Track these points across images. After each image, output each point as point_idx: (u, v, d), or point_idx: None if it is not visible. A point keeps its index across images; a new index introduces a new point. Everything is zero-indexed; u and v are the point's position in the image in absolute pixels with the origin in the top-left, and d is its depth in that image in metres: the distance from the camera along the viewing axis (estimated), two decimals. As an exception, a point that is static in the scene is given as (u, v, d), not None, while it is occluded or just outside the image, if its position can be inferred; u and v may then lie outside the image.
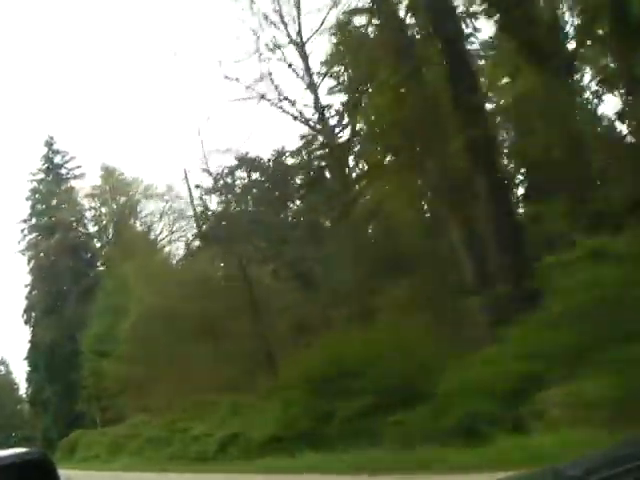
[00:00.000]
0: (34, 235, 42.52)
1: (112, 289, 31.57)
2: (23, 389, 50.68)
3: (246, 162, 27.91)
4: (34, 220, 42.71)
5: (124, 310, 26.41)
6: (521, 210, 13.81)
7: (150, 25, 64.51)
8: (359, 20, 15.58)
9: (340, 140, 21.42)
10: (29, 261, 42.64)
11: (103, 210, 41.85)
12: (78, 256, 41.16)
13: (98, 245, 42.90)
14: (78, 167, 43.10)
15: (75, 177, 42.96)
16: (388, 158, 15.34)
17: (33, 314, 42.35)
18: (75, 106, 68.48)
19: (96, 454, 26.21)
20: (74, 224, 42.12)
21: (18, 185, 65.07)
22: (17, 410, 52.56)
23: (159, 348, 22.22)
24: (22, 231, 42.75)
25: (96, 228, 42.78)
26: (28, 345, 43.12)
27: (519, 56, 10.94)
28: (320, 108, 20.80)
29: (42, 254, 41.28)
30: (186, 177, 32.57)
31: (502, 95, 13.71)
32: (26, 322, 42.67)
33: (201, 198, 27.31)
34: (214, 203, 29.07)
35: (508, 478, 1.55)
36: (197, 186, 32.88)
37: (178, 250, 34.55)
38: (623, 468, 1.32)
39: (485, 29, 13.97)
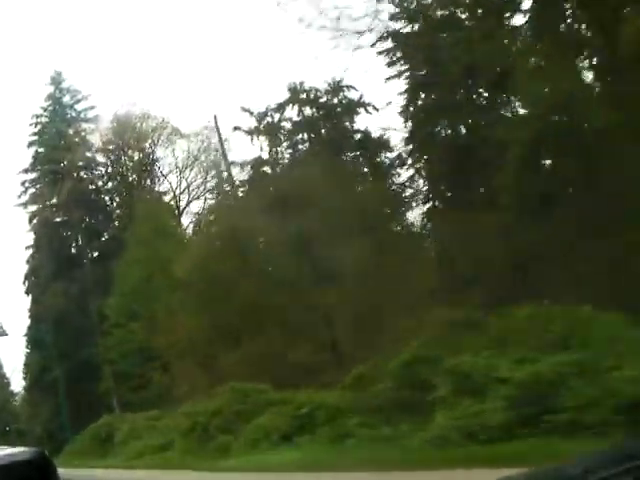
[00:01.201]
0: (38, 187, 42.69)
1: (145, 237, 32.68)
2: (17, 382, 54.10)
3: (298, 97, 28.40)
4: (38, 169, 42.89)
5: (164, 261, 28.11)
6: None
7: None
8: None
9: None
10: (31, 219, 42.97)
11: (123, 157, 42.09)
12: (91, 212, 41.57)
13: (112, 200, 43.71)
14: (91, 108, 43.32)
15: (88, 120, 43.03)
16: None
17: (33, 279, 42.82)
18: (86, 39, 68.55)
19: (161, 445, 22.18)
20: (86, 174, 42.68)
21: (18, 131, 67.13)
22: (9, 404, 56.27)
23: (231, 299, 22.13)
24: (23, 183, 43.16)
25: (110, 183, 43.27)
26: (28, 320, 44.60)
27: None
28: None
29: (47, 209, 41.59)
30: (216, 124, 33.46)
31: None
32: (27, 291, 43.52)
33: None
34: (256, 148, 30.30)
35: (508, 478, 1.80)
36: (236, 128, 34.03)
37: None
38: (623, 468, 1.56)
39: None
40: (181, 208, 39.48)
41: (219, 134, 33.96)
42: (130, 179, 42.02)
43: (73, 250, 42.40)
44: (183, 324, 24.53)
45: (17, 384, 60.68)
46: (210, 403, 19.13)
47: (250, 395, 17.87)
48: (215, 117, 34.28)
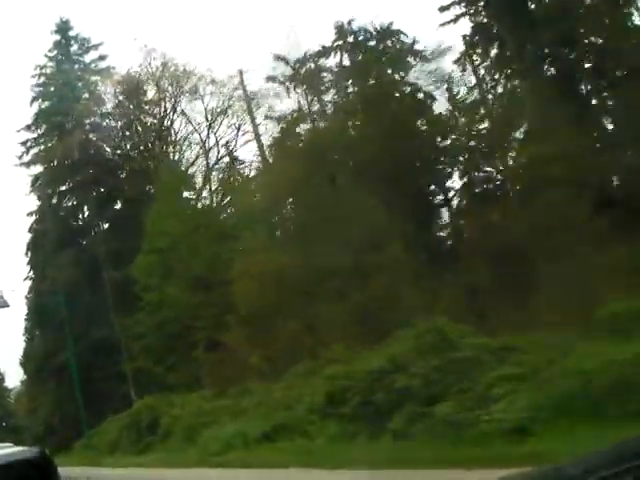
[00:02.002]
0: (41, 147, 43.17)
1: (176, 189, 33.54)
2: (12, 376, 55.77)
3: (345, 38, 28.27)
4: (42, 126, 43.40)
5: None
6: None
7: None
8: None
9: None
10: (34, 182, 43.54)
11: (140, 112, 42.29)
12: (102, 176, 41.90)
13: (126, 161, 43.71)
14: (102, 59, 43.56)
15: (99, 72, 43.13)
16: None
17: (37, 249, 43.48)
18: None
19: (266, 432, 17.16)
20: (96, 132, 42.94)
21: (18, 86, 68.44)
22: (3, 399, 59.67)
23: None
24: (25, 143, 43.64)
25: (125, 144, 43.55)
26: (30, 296, 45.83)
27: None
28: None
29: (53, 170, 41.80)
30: (241, 79, 33.69)
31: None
32: (30, 262, 44.43)
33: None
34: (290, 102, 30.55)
35: (508, 477, 1.98)
36: (270, 79, 34.16)
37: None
38: (623, 468, 1.75)
39: None
40: (211, 164, 39.59)
41: (245, 91, 34.24)
42: (150, 137, 42.51)
43: (82, 217, 43.33)
44: (268, 266, 22.28)
45: (12, 378, 64.87)
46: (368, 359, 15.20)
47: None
48: (240, 72, 34.50)
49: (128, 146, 43.21)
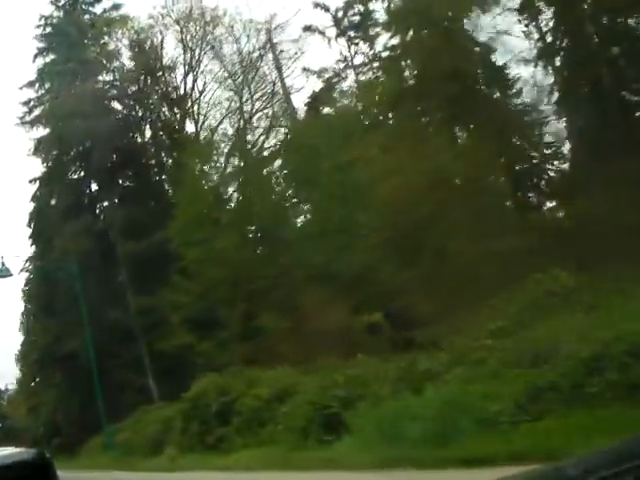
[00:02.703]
0: (46, 105, 43.70)
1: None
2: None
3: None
4: (47, 83, 43.93)
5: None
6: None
7: None
8: None
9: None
10: (37, 146, 44.03)
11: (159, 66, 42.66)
12: (117, 139, 42.43)
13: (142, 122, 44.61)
14: (116, 7, 43.97)
15: (112, 22, 43.39)
16: None
17: (40, 220, 44.08)
18: None
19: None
20: (109, 90, 43.61)
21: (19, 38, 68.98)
22: None
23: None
24: (27, 102, 44.43)
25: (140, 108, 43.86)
26: (29, 273, 46.97)
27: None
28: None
29: (60, 128, 41.78)
30: (270, 40, 33.71)
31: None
32: (33, 236, 45.20)
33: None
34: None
35: (508, 478, 2.13)
36: (308, 29, 34.17)
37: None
38: (623, 468, 1.87)
39: None
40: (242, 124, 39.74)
41: (274, 52, 34.34)
42: (168, 94, 43.06)
43: (93, 184, 44.04)
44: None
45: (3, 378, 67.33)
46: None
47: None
48: (269, 32, 34.52)
49: (143, 101, 43.94)
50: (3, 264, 33.00)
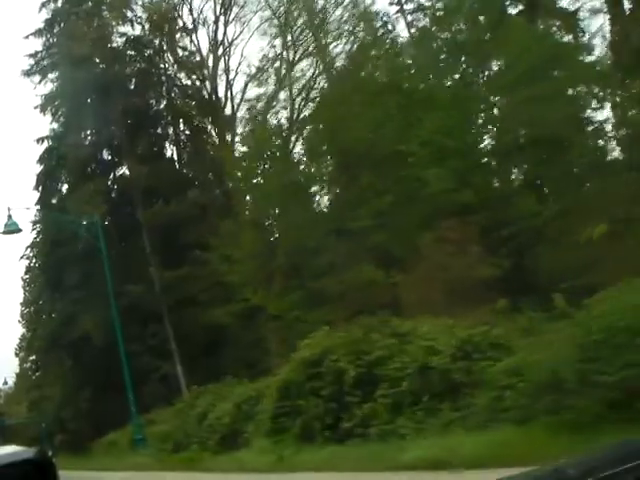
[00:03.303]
0: (56, 55, 44.09)
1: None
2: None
3: None
4: (56, 32, 44.45)
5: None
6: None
7: None
8: None
9: None
10: (44, 106, 45.01)
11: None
12: (139, 93, 43.19)
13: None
14: None
15: None
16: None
17: (46, 180, 44.82)
18: None
19: None
20: (129, 38, 44.36)
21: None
22: None
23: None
24: (34, 55, 45.01)
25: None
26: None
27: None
28: None
29: (71, 83, 41.95)
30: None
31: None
32: (40, 201, 45.60)
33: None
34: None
35: (508, 478, 2.35)
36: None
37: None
38: (623, 468, 2.12)
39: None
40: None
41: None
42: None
43: (112, 143, 44.45)
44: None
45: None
46: None
47: None
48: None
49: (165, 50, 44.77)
50: (10, 217, 31.97)
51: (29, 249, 49.94)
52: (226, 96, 43.89)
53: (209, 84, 44.63)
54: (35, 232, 48.57)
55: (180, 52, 45.07)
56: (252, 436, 21.50)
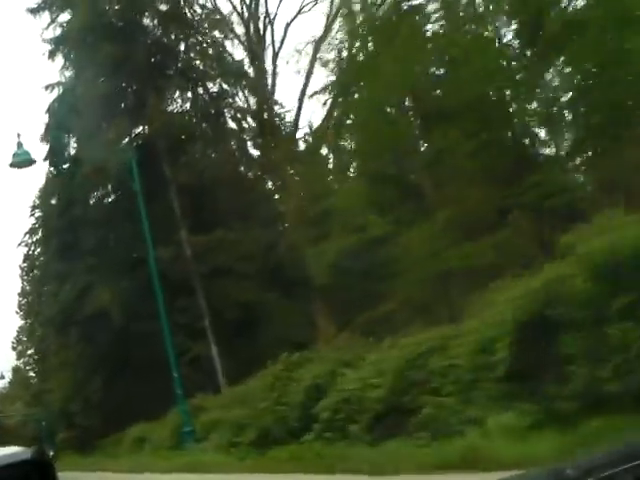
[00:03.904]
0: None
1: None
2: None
3: None
4: None
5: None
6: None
7: None
8: None
9: None
10: (57, 44, 45.61)
11: None
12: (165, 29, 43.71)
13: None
14: None
15: None
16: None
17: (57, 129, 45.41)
18: None
19: None
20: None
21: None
22: None
23: None
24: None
25: None
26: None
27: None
28: None
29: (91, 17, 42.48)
30: None
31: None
32: (49, 155, 46.25)
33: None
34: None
35: (508, 478, 2.63)
36: None
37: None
38: (623, 468, 2.35)
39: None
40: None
41: None
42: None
43: (132, 89, 44.92)
44: None
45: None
46: None
47: None
48: None
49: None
50: (21, 145, 30.84)
51: (28, 235, 52.78)
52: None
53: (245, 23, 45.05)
54: (34, 218, 52.10)
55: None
56: (455, 411, 16.15)
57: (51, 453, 47.40)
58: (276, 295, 36.94)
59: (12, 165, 30.06)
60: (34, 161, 31.39)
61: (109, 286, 38.81)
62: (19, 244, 53.49)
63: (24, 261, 59.37)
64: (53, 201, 49.23)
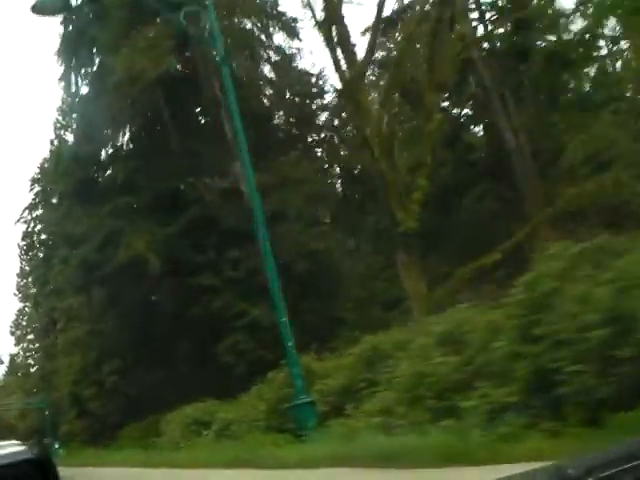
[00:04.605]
0: None
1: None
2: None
3: None
4: None
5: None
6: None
7: None
8: None
9: None
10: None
11: None
12: None
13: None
14: None
15: None
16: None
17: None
18: None
19: None
20: None
21: None
22: None
23: None
24: None
25: None
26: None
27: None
28: None
29: None
30: None
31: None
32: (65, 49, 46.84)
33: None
34: None
35: (508, 478, 2.91)
36: None
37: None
38: (623, 468, 2.69)
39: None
40: None
41: None
42: None
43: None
44: None
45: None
46: None
47: None
48: None
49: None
50: None
51: (27, 211, 55.41)
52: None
53: None
54: (33, 193, 53.24)
55: None
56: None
57: (56, 446, 48.77)
58: (353, 245, 36.65)
59: (34, 9, 27.36)
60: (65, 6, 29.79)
61: (143, 231, 38.37)
62: (17, 220, 56.67)
63: (23, 239, 62.18)
64: (69, 134, 50.15)
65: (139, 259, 37.73)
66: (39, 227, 58.10)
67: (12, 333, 76.62)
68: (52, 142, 52.74)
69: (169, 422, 33.60)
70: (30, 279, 66.69)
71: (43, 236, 61.53)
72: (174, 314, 32.65)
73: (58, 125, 52.92)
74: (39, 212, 59.63)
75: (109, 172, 42.49)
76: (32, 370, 70.73)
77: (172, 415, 33.30)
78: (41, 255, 63.31)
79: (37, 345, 69.91)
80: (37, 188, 55.53)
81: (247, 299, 37.37)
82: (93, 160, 43.57)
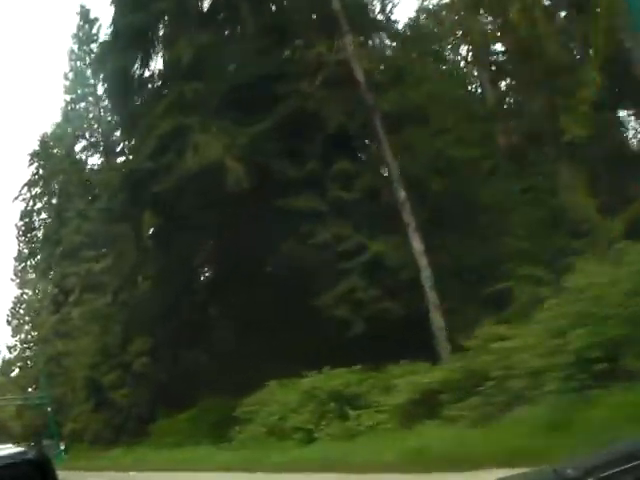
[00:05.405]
0: None
1: None
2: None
3: None
4: None
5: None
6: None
7: None
8: None
9: None
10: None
11: None
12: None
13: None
14: None
15: None
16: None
17: None
18: None
19: None
20: None
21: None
22: None
23: None
24: None
25: None
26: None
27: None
28: None
29: None
30: None
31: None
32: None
33: None
34: None
35: (508, 478, 3.35)
36: None
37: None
38: (623, 468, 3.08)
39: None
40: None
41: None
42: None
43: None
44: None
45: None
46: None
47: None
48: None
49: None
50: None
51: (26, 188, 59.18)
52: None
53: None
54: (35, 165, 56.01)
55: None
56: None
57: (61, 447, 52.52)
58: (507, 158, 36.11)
59: None
60: None
61: (218, 131, 36.45)
62: (15, 198, 60.39)
63: (21, 218, 65.10)
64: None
65: (214, 167, 35.25)
66: (39, 205, 61.45)
67: (9, 322, 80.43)
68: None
69: (263, 404, 31.99)
70: (29, 263, 70.69)
71: (43, 215, 65.01)
72: (249, 258, 31.50)
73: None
74: (39, 189, 62.57)
75: (166, 54, 41.65)
76: (30, 363, 74.56)
77: (263, 394, 32.40)
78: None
79: (37, 334, 72.77)
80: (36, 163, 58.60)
81: (364, 230, 35.25)
82: (144, 38, 42.20)
